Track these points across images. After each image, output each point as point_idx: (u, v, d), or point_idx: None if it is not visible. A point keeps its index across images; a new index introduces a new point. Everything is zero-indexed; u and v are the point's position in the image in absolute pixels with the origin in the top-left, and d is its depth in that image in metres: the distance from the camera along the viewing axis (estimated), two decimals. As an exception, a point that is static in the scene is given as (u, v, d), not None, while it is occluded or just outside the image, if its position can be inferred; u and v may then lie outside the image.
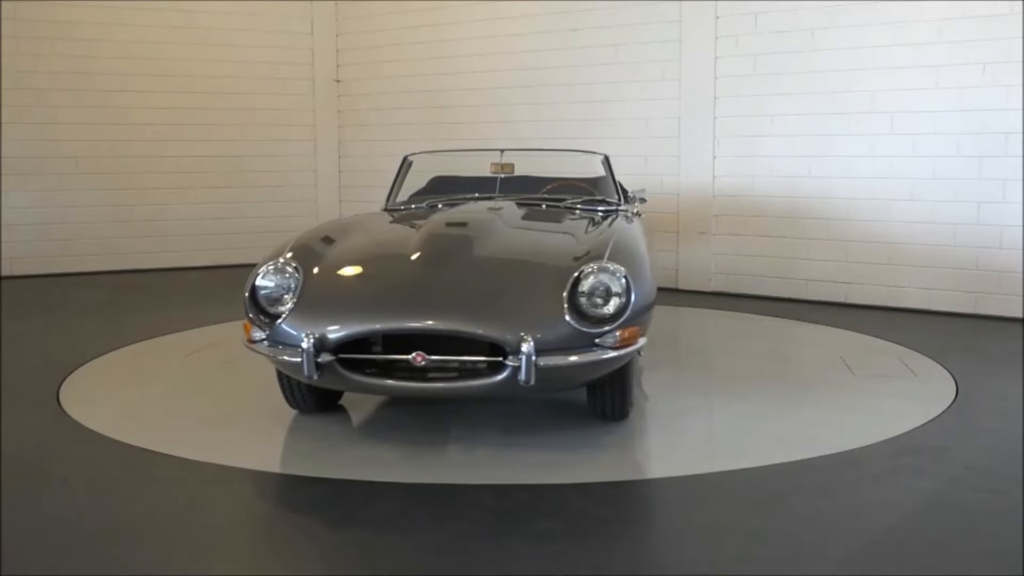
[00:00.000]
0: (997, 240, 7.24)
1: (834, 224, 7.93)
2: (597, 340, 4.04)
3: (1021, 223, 7.12)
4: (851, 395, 5.23)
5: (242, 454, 4.23)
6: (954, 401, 5.04)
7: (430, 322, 4.03)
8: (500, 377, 3.98)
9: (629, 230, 5.15)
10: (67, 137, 9.77)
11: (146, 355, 6.17)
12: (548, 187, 6.19)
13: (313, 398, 4.68)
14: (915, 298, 7.64)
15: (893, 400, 5.07)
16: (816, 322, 7.22)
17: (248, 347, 4.31)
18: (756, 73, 8.16)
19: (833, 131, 7.85)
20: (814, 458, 4.17)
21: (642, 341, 4.22)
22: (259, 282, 4.35)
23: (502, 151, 6.11)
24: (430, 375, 4.08)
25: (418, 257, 4.45)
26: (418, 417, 4.72)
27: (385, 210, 6.00)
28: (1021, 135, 7.06)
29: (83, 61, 9.75)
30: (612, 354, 4.04)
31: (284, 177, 10.70)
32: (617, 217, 5.55)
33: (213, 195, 10.33)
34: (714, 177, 8.42)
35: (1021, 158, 7.08)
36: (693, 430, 4.73)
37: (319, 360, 4.01)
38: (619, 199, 5.83)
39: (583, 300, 4.12)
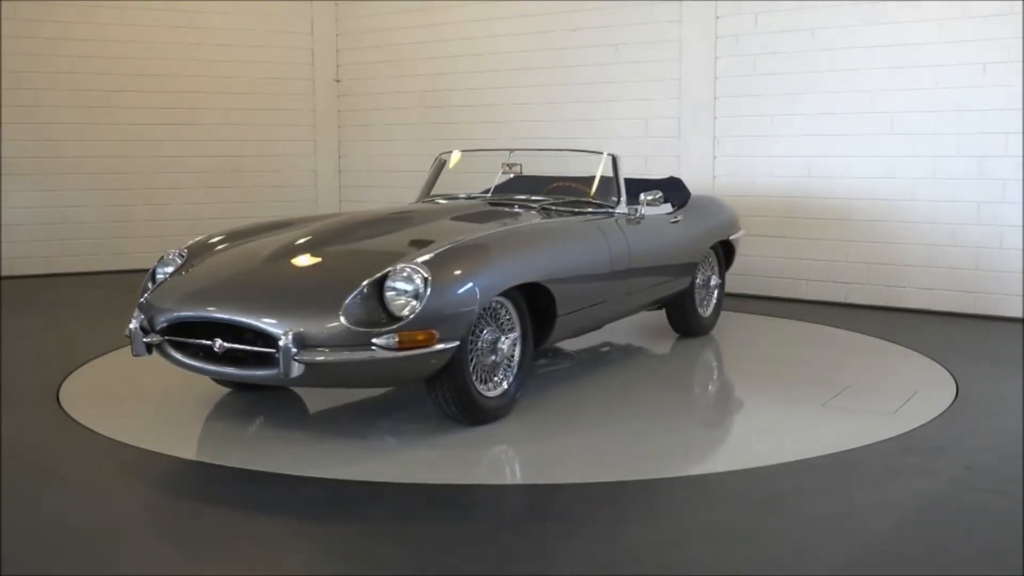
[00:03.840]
0: (997, 240, 7.24)
1: (834, 224, 7.92)
2: (375, 340, 4.06)
3: (1021, 223, 7.12)
4: (850, 395, 5.22)
5: (241, 454, 4.23)
6: (954, 401, 5.05)
7: (216, 312, 4.35)
8: (276, 369, 4.11)
9: (532, 230, 5.12)
10: (67, 137, 9.76)
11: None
12: (549, 187, 6.20)
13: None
14: (915, 298, 7.64)
15: (893, 400, 5.07)
16: (816, 322, 7.22)
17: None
18: (756, 73, 8.16)
19: (833, 131, 7.85)
20: (814, 458, 4.17)
21: (448, 345, 4.17)
22: (157, 268, 4.91)
23: (511, 151, 6.14)
24: (230, 361, 4.32)
25: (269, 252, 4.76)
26: (420, 417, 4.72)
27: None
28: (1021, 135, 7.06)
29: (83, 61, 9.75)
30: (387, 355, 4.05)
31: (284, 177, 10.70)
32: (600, 218, 5.56)
33: (213, 195, 10.32)
34: (714, 177, 8.41)
35: (1021, 158, 7.08)
36: (692, 430, 4.73)
37: (147, 340, 4.49)
38: (617, 200, 5.76)
39: (388, 297, 4.19)
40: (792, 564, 3.18)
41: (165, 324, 4.50)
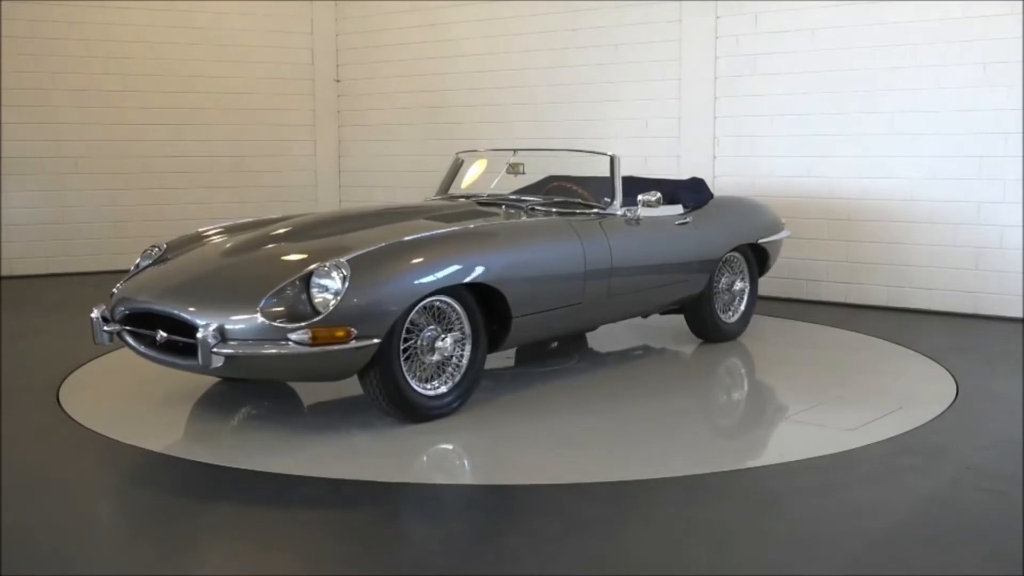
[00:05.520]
0: (997, 240, 7.24)
1: (834, 224, 7.92)
2: (289, 335, 4.14)
3: (1021, 223, 7.12)
4: (850, 394, 5.23)
5: (240, 454, 4.23)
6: (954, 401, 5.04)
7: (155, 305, 4.58)
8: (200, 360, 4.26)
9: (485, 230, 5.07)
10: (67, 137, 9.76)
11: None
12: (548, 187, 6.21)
13: None
14: (915, 298, 7.64)
15: (893, 399, 5.07)
16: (816, 322, 7.22)
17: None
18: (756, 73, 8.16)
19: (833, 131, 7.85)
20: (814, 458, 4.17)
21: (366, 343, 4.20)
22: (140, 261, 5.17)
23: (514, 151, 6.14)
24: (172, 350, 4.49)
25: (227, 248, 4.96)
26: (431, 422, 4.71)
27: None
28: (1021, 135, 7.06)
29: (83, 61, 9.75)
30: (301, 350, 4.14)
31: (284, 177, 10.70)
32: (589, 219, 5.50)
33: (213, 195, 10.32)
34: (714, 177, 8.41)
35: (1021, 158, 7.08)
36: (691, 430, 4.73)
37: (107, 328, 4.73)
38: (611, 201, 5.65)
39: (312, 293, 4.26)
40: (792, 564, 3.18)
41: (123, 314, 4.73)
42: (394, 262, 4.48)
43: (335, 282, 4.25)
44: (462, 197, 6.15)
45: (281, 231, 5.14)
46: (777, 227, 6.85)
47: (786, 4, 7.96)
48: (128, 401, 5.13)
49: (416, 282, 4.45)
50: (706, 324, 6.36)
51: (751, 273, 6.63)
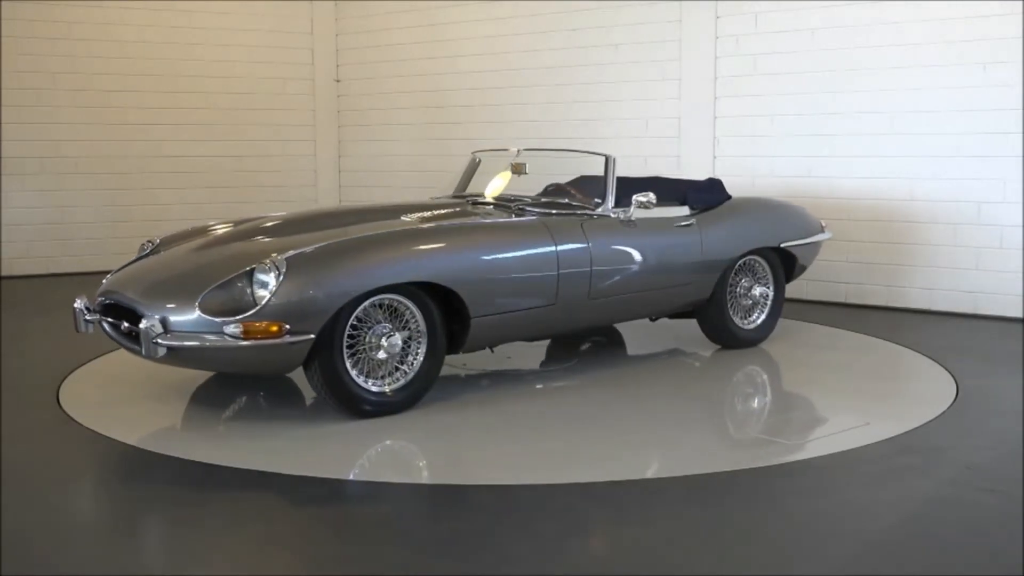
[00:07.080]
0: (997, 240, 7.24)
1: (834, 224, 7.88)
2: (224, 328, 4.28)
3: (1021, 223, 7.12)
4: (850, 395, 5.23)
5: (240, 454, 4.23)
6: (954, 401, 5.05)
7: (119, 297, 4.78)
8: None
9: (443, 229, 5.05)
10: (67, 137, 9.76)
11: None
12: (547, 187, 6.21)
13: None
14: (915, 298, 7.64)
15: (893, 400, 5.07)
16: (816, 322, 7.21)
17: None
18: (756, 73, 8.15)
19: (833, 131, 7.85)
20: (814, 458, 4.17)
21: (299, 339, 4.27)
22: (137, 255, 5.33)
23: (518, 151, 6.12)
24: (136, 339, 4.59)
25: (200, 244, 5.12)
26: (432, 421, 4.72)
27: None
28: (1021, 135, 7.06)
29: (83, 61, 9.75)
30: (235, 344, 4.27)
31: (284, 177, 10.70)
32: (582, 219, 5.43)
33: (213, 195, 10.32)
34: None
35: (1021, 158, 7.08)
36: (691, 430, 4.73)
37: (87, 318, 4.92)
38: (600, 202, 5.56)
39: (254, 288, 4.37)
40: (792, 564, 3.18)
41: (101, 304, 4.93)
42: (333, 260, 4.53)
43: (272, 278, 4.34)
44: (466, 197, 6.14)
45: (258, 228, 5.26)
46: (808, 231, 6.52)
47: (786, 4, 7.96)
48: (128, 401, 5.12)
49: (355, 280, 4.48)
50: (718, 329, 6.14)
51: (776, 278, 6.36)
